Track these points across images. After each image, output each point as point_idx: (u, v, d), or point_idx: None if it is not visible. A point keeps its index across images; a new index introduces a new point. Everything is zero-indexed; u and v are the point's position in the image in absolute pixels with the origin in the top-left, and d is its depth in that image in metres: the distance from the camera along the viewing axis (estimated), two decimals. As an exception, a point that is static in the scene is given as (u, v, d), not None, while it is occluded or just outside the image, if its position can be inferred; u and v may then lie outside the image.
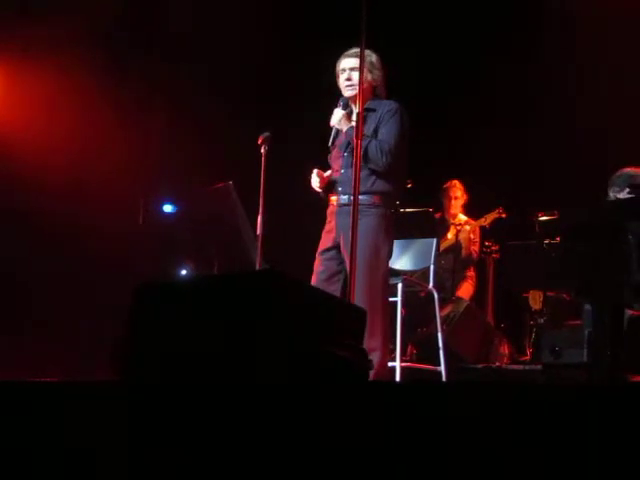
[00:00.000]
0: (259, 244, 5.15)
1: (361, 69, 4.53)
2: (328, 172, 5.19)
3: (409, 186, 7.27)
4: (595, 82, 7.12)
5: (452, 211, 7.79)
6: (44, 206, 7.00)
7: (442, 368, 5.91)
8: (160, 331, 2.85)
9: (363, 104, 4.72)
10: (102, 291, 7.03)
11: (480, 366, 6.80)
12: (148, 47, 7.64)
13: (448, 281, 7.45)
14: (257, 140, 5.21)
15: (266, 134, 5.20)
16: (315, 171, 5.14)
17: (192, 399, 2.59)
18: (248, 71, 7.66)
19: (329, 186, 5.16)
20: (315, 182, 5.13)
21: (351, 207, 4.92)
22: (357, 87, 4.71)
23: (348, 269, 4.97)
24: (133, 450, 2.60)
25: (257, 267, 5.12)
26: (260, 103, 7.47)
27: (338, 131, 5.06)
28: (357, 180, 4.45)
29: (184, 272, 7.67)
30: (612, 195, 5.78)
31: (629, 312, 5.39)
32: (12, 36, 7.09)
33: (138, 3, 7.52)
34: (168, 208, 8.09)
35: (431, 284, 6.19)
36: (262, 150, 5.19)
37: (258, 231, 5.16)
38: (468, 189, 7.84)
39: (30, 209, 7.04)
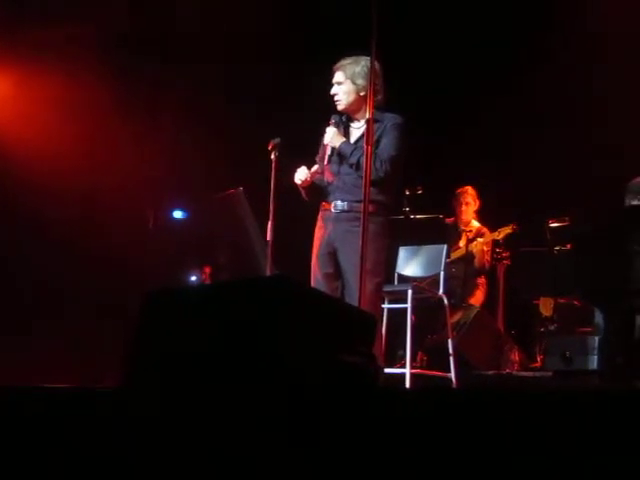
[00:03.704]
0: (269, 250, 5.14)
1: (371, 79, 4.65)
2: (314, 167, 5.16)
3: (419, 192, 7.30)
4: (611, 87, 7.08)
5: (464, 217, 7.77)
6: (55, 211, 7.01)
7: (452, 375, 5.90)
8: (169, 338, 2.84)
9: (356, 113, 5.12)
10: (112, 297, 7.03)
11: (490, 373, 6.78)
12: (158, 53, 7.65)
13: (458, 288, 7.43)
14: (267, 146, 5.20)
15: (276, 140, 5.20)
16: (303, 167, 5.12)
17: (197, 405, 2.58)
18: (259, 76, 7.66)
19: (321, 192, 5.14)
20: (302, 174, 5.09)
21: (348, 214, 4.96)
22: (342, 102, 5.11)
23: (345, 274, 4.96)
24: (138, 458, 2.60)
25: (267, 273, 5.12)
26: (270, 109, 7.46)
27: (333, 149, 5.07)
28: (367, 186, 4.46)
29: (194, 278, 7.68)
30: (628, 202, 5.78)
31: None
32: (22, 41, 7.10)
33: (148, 8, 7.52)
34: (178, 214, 8.10)
35: (441, 290, 6.18)
36: (272, 156, 5.18)
37: (268, 237, 5.15)
38: (480, 195, 7.82)
39: (41, 214, 7.05)
